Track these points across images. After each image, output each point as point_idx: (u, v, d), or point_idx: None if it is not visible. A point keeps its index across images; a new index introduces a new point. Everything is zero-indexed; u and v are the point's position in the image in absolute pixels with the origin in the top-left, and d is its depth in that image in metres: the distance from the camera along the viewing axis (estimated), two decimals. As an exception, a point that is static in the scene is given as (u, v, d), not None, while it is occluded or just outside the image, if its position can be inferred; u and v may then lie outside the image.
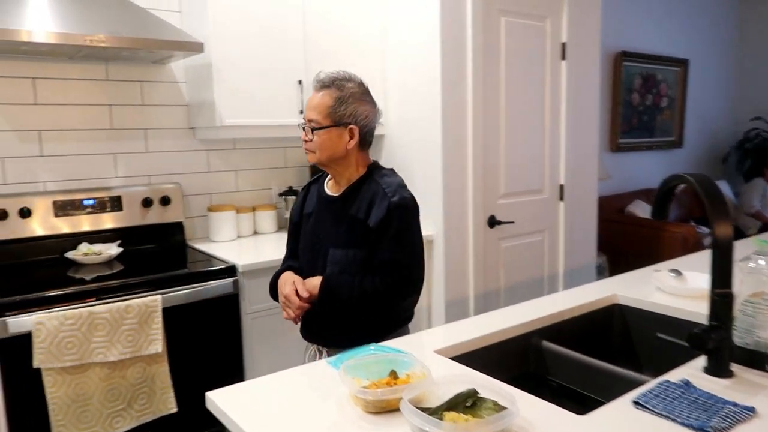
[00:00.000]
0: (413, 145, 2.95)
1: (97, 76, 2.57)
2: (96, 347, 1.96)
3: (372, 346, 1.38)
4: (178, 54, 2.47)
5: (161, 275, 2.21)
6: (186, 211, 2.83)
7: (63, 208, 2.45)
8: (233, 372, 2.34)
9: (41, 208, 2.41)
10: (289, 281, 1.64)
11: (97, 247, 2.45)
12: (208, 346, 2.27)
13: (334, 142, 1.58)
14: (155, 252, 2.62)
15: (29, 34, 2.02)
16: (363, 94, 1.60)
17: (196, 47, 2.38)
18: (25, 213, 2.37)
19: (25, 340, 1.88)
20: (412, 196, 1.61)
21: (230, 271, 2.33)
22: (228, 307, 2.31)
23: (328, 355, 1.61)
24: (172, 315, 2.13)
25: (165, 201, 2.69)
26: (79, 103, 2.54)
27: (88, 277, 2.20)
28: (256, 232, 2.98)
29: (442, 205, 2.82)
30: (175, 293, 2.16)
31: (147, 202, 2.64)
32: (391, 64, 3.02)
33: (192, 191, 2.87)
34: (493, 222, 2.99)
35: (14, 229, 2.36)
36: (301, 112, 2.77)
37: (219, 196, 2.95)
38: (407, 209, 1.57)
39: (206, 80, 2.58)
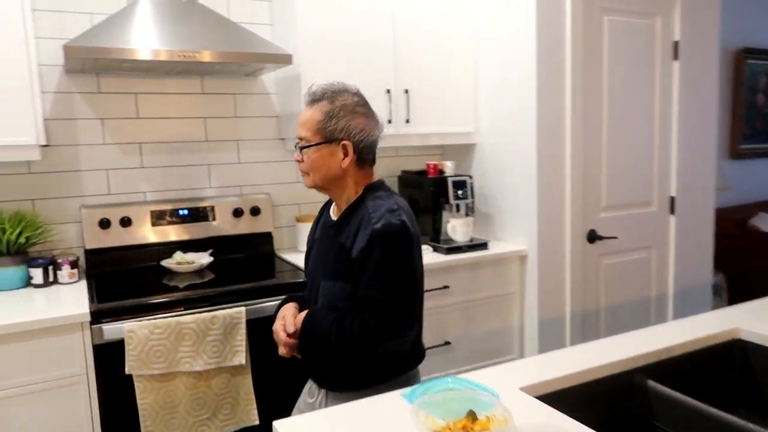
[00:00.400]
0: (505, 153, 2.80)
1: (193, 90, 2.66)
2: (183, 357, 2.00)
3: (450, 379, 1.27)
4: (269, 66, 2.49)
5: (247, 286, 2.22)
6: (275, 221, 2.85)
7: (160, 218, 2.55)
8: (316, 386, 2.31)
9: (140, 217, 2.52)
10: (281, 314, 1.54)
11: (190, 256, 2.52)
12: (291, 359, 2.25)
13: (326, 161, 1.42)
14: (244, 261, 2.66)
15: (133, 52, 2.11)
16: (357, 105, 1.44)
17: (285, 59, 2.39)
18: (125, 222, 2.48)
19: (119, 347, 1.95)
20: (402, 223, 1.38)
21: (314, 283, 2.30)
22: (311, 321, 2.28)
23: (327, 396, 1.51)
24: (256, 327, 2.13)
25: (255, 211, 2.73)
26: (177, 117, 2.64)
27: (180, 286, 2.26)
28: (342, 243, 2.96)
29: (536, 217, 2.65)
30: (260, 305, 2.16)
31: (238, 212, 2.69)
32: (482, 69, 2.90)
33: (281, 201, 2.89)
34: (593, 237, 2.77)
35: (116, 238, 2.48)
36: (389, 121, 2.72)
37: (307, 207, 2.95)
38: (391, 238, 1.36)
39: (295, 91, 2.59)
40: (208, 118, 2.71)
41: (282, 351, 1.52)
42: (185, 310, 2.06)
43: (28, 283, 2.27)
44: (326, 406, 1.51)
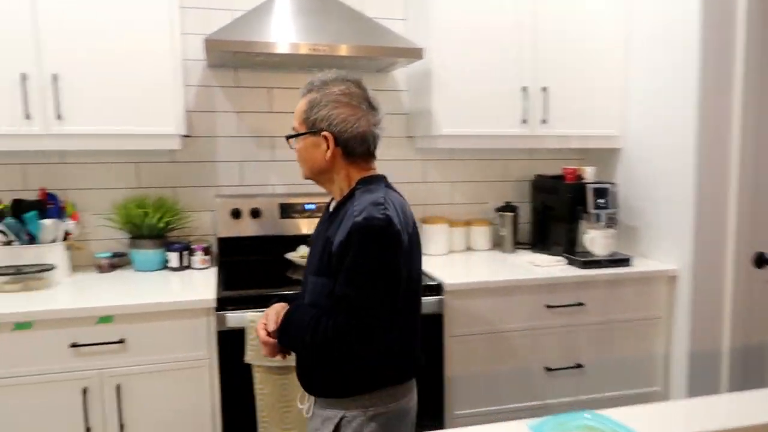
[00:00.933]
0: (657, 160, 2.49)
1: (325, 86, 2.66)
2: (299, 352, 1.98)
3: (588, 414, 1.09)
4: (400, 61, 2.42)
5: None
6: (399, 221, 2.78)
7: (287, 211, 2.58)
8: (433, 396, 2.19)
9: (270, 209, 2.57)
10: (266, 312, 1.46)
11: (314, 251, 2.51)
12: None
13: (310, 152, 1.40)
14: (366, 260, 2.61)
15: (270, 45, 2.14)
16: (342, 95, 1.37)
17: (416, 53, 2.30)
18: (255, 213, 2.54)
19: (241, 335, 1.97)
20: (386, 217, 1.28)
21: (436, 289, 2.19)
22: (431, 328, 2.17)
23: (315, 402, 1.43)
24: (373, 329, 2.06)
25: (379, 210, 2.67)
26: (309, 112, 2.65)
27: (302, 279, 2.25)
28: (469, 248, 2.82)
29: (692, 234, 2.32)
30: (378, 306, 2.09)
31: (362, 210, 2.65)
32: (634, 65, 2.60)
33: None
34: (762, 261, 2.37)
35: (246, 228, 2.54)
36: (524, 121, 2.53)
37: (433, 208, 2.85)
38: (371, 233, 1.26)
39: (426, 88, 2.50)
40: (339, 114, 2.69)
41: (263, 351, 1.44)
42: (304, 305, 2.04)
43: (164, 265, 2.39)
44: (312, 412, 1.44)
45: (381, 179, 1.43)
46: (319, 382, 1.41)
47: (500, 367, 2.28)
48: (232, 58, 2.31)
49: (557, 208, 2.64)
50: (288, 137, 1.45)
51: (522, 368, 2.30)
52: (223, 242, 2.53)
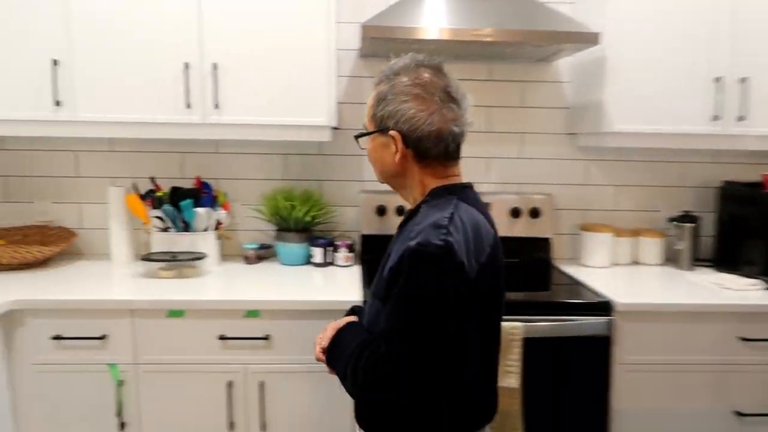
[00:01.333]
0: None
1: (480, 77, 2.47)
2: (448, 366, 1.81)
3: None
4: (567, 48, 2.16)
5: (525, 298, 1.95)
6: (555, 226, 2.51)
7: (434, 211, 2.42)
8: (596, 429, 1.92)
9: (415, 208, 2.42)
10: (327, 326, 1.31)
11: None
12: (567, 393, 1.90)
13: (379, 154, 1.21)
14: (520, 269, 2.37)
15: (418, 31, 1.99)
16: (414, 86, 1.15)
17: (590, 38, 2.03)
18: (400, 211, 2.40)
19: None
20: (445, 244, 1.05)
21: (602, 307, 1.91)
22: (596, 352, 1.90)
23: None
24: (532, 347, 1.83)
25: (534, 213, 2.43)
26: (461, 105, 2.47)
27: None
28: (635, 262, 2.48)
29: None
30: (539, 323, 1.85)
31: (515, 213, 2.42)
32: None
33: (563, 205, 2.54)
34: None
35: (390, 225, 2.39)
36: (716, 117, 2.16)
37: (594, 214, 2.55)
38: (423, 261, 1.05)
39: (597, 79, 2.21)
40: (493, 108, 2.49)
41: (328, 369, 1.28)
42: (455, 314, 1.87)
43: (308, 260, 2.33)
44: None
45: (457, 190, 1.19)
46: (365, 415, 1.24)
47: (678, 404, 1.95)
48: (386, 46, 2.17)
49: (754, 221, 2.23)
50: (356, 136, 1.26)
51: (706, 409, 1.95)
52: (366, 239, 2.42)
